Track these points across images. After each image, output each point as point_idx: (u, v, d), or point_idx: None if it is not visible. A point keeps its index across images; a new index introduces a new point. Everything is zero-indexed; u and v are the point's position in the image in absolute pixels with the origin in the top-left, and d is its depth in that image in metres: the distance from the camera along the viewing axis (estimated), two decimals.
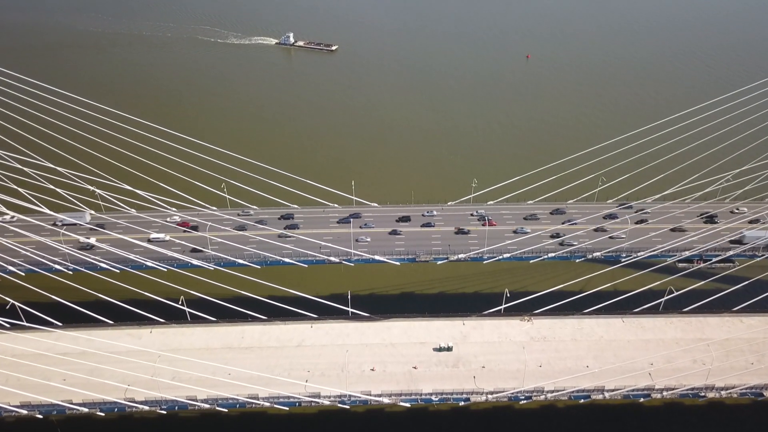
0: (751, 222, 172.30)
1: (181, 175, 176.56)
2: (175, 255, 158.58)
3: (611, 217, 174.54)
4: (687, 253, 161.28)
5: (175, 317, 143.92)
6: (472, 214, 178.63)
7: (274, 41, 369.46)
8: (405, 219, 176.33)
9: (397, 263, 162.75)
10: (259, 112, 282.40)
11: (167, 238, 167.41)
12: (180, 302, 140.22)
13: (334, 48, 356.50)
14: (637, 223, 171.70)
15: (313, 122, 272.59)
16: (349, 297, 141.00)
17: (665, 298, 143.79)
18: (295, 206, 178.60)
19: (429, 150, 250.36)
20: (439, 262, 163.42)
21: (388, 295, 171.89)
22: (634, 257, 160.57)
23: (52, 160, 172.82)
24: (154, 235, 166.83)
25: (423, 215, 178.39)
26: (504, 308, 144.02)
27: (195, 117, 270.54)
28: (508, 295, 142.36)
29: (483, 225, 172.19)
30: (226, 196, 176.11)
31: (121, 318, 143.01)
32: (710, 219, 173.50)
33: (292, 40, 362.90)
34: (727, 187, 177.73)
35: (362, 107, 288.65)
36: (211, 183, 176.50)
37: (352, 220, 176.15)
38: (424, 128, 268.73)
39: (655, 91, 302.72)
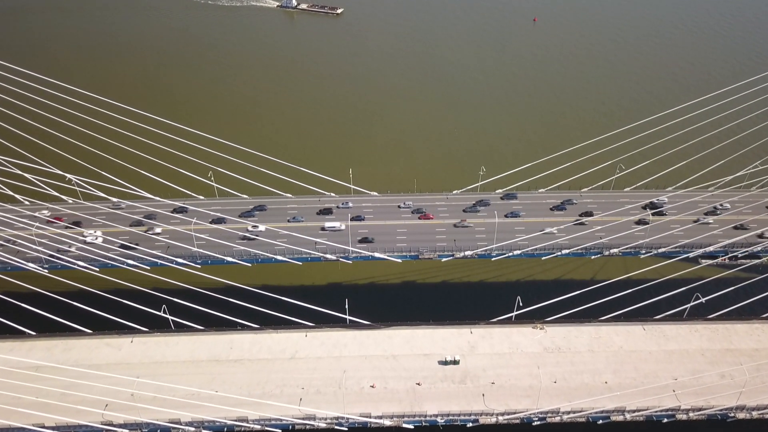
0: None
1: (166, 163, 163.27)
2: (158, 253, 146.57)
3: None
4: (711, 249, 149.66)
5: (158, 325, 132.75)
6: (399, 206, 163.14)
7: (275, 4, 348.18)
8: (327, 211, 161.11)
9: (399, 260, 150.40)
10: (252, 90, 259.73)
11: (343, 227, 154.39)
12: (162, 310, 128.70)
13: (339, 11, 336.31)
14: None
15: (311, 101, 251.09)
16: (346, 304, 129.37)
17: (690, 304, 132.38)
18: (219, 195, 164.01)
19: (434, 132, 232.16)
20: (444, 260, 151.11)
21: (389, 298, 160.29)
22: (654, 253, 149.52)
23: (19, 146, 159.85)
24: (329, 224, 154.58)
25: (338, 207, 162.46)
26: (515, 315, 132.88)
27: (179, 97, 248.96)
28: (520, 302, 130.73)
29: (419, 218, 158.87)
30: (213, 184, 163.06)
31: (100, 326, 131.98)
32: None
33: (294, 2, 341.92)
34: (755, 174, 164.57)
35: (364, 81, 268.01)
36: (198, 171, 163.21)
37: (257, 213, 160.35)
38: (429, 107, 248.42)
39: (680, 65, 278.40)
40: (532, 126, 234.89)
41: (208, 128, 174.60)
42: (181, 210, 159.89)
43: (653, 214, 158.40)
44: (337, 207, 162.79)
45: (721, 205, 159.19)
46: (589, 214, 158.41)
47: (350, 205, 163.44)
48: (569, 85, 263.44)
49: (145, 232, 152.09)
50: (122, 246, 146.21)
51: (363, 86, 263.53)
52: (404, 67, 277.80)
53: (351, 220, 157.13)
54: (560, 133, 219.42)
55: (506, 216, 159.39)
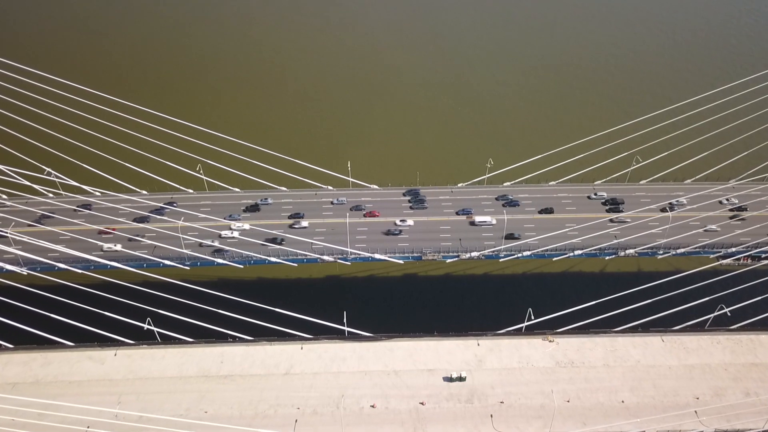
0: None
1: (150, 155, 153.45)
2: (144, 255, 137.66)
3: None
4: (733, 249, 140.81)
5: (143, 336, 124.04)
6: (332, 202, 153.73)
7: None
8: (253, 209, 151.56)
9: (401, 261, 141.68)
10: (241, 74, 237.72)
11: (494, 221, 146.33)
12: (147, 322, 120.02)
13: None
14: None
15: (305, 84, 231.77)
16: (345, 318, 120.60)
17: (714, 314, 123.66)
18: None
19: (438, 120, 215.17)
20: (449, 261, 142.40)
21: (389, 305, 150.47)
22: (672, 253, 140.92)
23: None
24: (479, 218, 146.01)
25: (258, 202, 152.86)
26: (526, 325, 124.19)
27: (162, 84, 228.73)
28: (532, 315, 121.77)
29: (365, 216, 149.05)
30: (202, 177, 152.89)
31: (82, 338, 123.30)
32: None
33: None
34: None
35: (363, 61, 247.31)
36: (186, 163, 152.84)
37: (164, 211, 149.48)
38: (433, 91, 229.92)
39: (705, 49, 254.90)
40: (543, 114, 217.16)
41: (195, 117, 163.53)
42: (87, 206, 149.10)
43: (608, 210, 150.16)
44: (257, 203, 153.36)
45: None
46: (549, 210, 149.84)
47: (270, 201, 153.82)
48: (583, 69, 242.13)
49: (291, 226, 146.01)
50: (268, 240, 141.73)
51: (361, 67, 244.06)
52: (405, 45, 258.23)
53: (289, 217, 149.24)
54: (573, 122, 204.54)
55: (457, 213, 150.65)
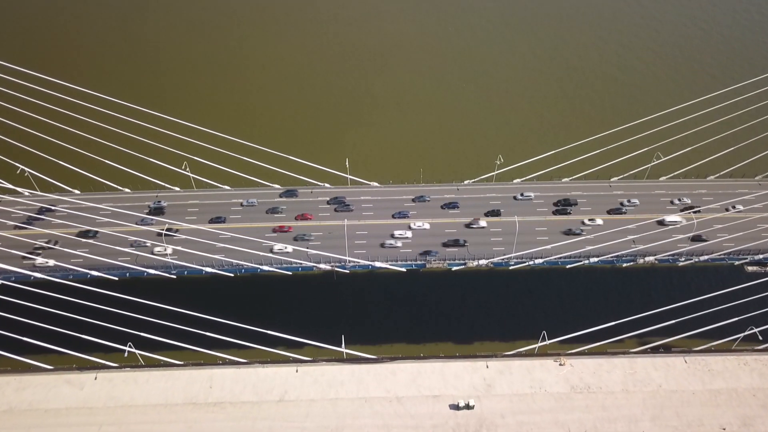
0: None
1: (132, 152, 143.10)
2: (128, 265, 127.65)
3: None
4: (761, 256, 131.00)
5: (125, 361, 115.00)
6: (241, 204, 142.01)
7: None
8: (158, 211, 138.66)
9: (403, 269, 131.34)
10: (229, 64, 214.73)
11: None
12: (128, 345, 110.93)
13: None
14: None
15: (298, 72, 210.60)
16: (343, 340, 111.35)
17: (744, 333, 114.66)
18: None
19: (444, 113, 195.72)
20: (455, 268, 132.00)
21: (390, 320, 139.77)
22: (695, 260, 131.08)
23: None
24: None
25: (151, 205, 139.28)
26: (539, 346, 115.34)
27: (144, 75, 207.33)
28: (546, 336, 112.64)
29: (296, 219, 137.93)
30: (189, 174, 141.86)
31: (60, 361, 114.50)
32: None
33: None
34: None
35: (361, 51, 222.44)
36: (171, 160, 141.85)
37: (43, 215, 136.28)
38: (438, 82, 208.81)
39: (733, 42, 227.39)
40: (557, 107, 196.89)
41: (180, 112, 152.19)
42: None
43: (555, 213, 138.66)
44: (149, 207, 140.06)
45: None
46: (496, 213, 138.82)
47: (163, 204, 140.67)
48: (599, 60, 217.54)
49: (467, 225, 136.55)
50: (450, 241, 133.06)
51: (360, 55, 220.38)
52: (405, 39, 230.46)
53: (210, 222, 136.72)
54: (588, 116, 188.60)
55: (394, 216, 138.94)
